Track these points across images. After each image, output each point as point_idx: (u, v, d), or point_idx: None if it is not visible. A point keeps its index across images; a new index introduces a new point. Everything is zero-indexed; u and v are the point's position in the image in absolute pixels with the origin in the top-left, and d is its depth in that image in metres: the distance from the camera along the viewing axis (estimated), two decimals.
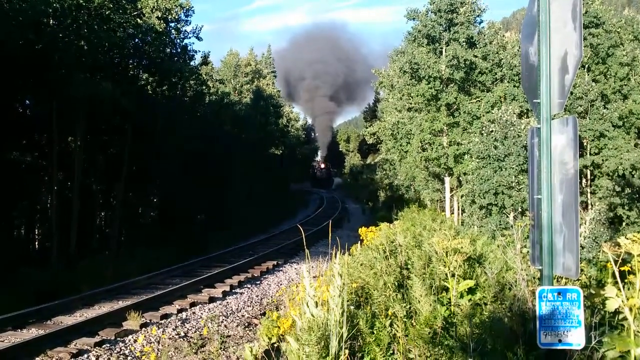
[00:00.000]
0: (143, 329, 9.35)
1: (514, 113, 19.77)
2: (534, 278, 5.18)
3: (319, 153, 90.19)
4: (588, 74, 23.91)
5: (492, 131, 19.37)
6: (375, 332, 4.85)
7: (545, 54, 3.56)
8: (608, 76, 24.28)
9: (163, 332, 9.17)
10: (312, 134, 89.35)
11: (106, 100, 17.93)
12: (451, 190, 25.70)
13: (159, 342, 8.64)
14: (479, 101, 23.59)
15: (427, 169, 26.72)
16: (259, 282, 14.20)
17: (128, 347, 8.34)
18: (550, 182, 3.50)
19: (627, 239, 3.18)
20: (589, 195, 23.71)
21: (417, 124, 23.92)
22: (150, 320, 9.91)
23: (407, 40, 25.32)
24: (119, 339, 8.73)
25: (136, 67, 22.28)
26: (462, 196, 23.10)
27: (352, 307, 5.25)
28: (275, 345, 6.69)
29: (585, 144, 23.22)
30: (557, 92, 3.54)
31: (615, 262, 3.17)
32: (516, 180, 17.98)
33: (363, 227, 10.50)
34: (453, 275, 5.16)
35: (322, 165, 78.84)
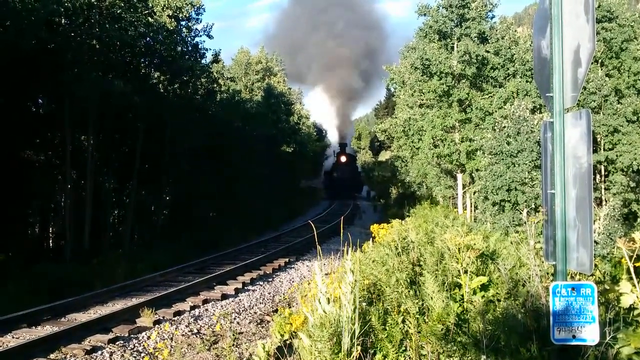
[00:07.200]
0: (156, 325, 9.42)
1: (527, 108, 19.63)
2: (547, 274, 5.14)
3: (332, 143, 63.99)
4: (601, 69, 23.68)
5: (504, 127, 19.26)
6: (387, 328, 4.83)
7: (557, 47, 3.52)
8: (622, 71, 24.04)
9: (176, 328, 9.22)
10: (323, 132, 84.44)
11: (116, 96, 18.01)
12: (464, 186, 25.57)
13: (172, 339, 8.70)
14: (491, 97, 23.44)
15: (439, 166, 26.61)
16: (270, 279, 14.24)
17: (141, 344, 8.40)
18: (564, 177, 3.46)
19: None
20: (603, 191, 23.50)
21: (429, 120, 23.81)
22: (164, 317, 9.98)
23: (418, 36, 25.22)
24: (132, 335, 8.80)
25: (147, 65, 22.35)
26: (474, 193, 23.00)
27: (364, 304, 5.23)
28: (288, 342, 6.68)
29: (599, 139, 23.01)
30: (570, 85, 3.50)
31: (630, 257, 3.13)
32: (529, 177, 17.85)
33: (375, 224, 10.48)
34: (466, 272, 5.13)
35: (343, 159, 53.88)
